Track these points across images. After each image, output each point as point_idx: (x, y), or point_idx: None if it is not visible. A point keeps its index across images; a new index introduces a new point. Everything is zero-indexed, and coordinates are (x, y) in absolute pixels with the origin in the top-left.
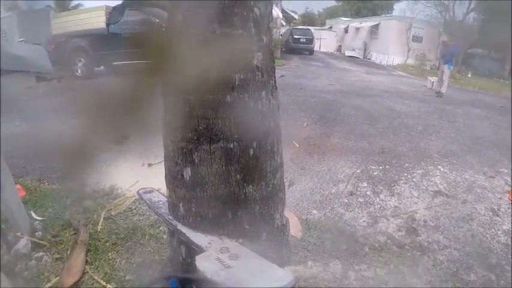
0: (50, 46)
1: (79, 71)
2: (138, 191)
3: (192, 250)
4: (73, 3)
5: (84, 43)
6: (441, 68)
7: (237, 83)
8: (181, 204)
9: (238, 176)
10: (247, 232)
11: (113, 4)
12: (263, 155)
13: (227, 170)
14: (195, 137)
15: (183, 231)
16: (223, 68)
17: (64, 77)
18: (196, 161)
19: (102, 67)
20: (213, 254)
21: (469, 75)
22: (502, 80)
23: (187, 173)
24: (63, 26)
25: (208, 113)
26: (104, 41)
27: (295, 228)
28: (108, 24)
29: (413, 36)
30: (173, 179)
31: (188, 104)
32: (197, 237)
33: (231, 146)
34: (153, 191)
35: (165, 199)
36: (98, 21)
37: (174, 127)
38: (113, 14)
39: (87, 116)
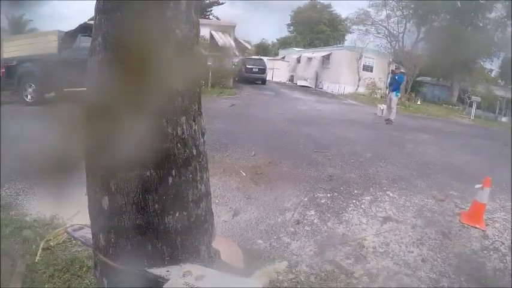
0: (0, 70)
1: (29, 96)
2: (66, 228)
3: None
4: (28, 28)
5: (35, 68)
6: (389, 95)
7: (153, 108)
8: (101, 235)
9: (156, 205)
10: (168, 265)
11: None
12: (184, 183)
13: (144, 199)
14: (111, 165)
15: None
16: (138, 92)
17: (1, 101)
18: (113, 189)
19: (52, 93)
20: (178, 280)
21: (419, 102)
22: (450, 106)
23: (105, 202)
24: (14, 49)
25: (122, 138)
26: (55, 67)
27: (236, 259)
28: (60, 50)
29: (364, 66)
30: (93, 208)
31: (103, 130)
32: (154, 269)
33: (148, 173)
34: (83, 227)
35: None
36: (50, 46)
37: (91, 155)
38: (65, 39)
39: (30, 144)
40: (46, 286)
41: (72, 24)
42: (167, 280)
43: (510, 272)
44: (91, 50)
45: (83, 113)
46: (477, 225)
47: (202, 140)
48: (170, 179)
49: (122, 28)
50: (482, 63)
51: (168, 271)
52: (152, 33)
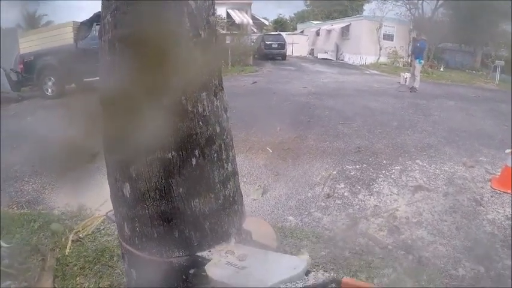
0: (19, 66)
1: (49, 90)
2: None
3: (143, 273)
4: (43, 22)
5: (53, 61)
6: (412, 63)
7: (171, 85)
8: (125, 224)
9: (180, 189)
10: (198, 251)
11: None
12: (208, 164)
13: (167, 183)
14: (130, 149)
15: None
16: (153, 67)
17: (23, 97)
18: (134, 175)
19: (73, 85)
20: (221, 259)
21: (442, 69)
22: (474, 72)
23: (127, 189)
24: (30, 44)
25: (140, 120)
26: (73, 58)
27: (269, 238)
28: (76, 40)
29: (384, 35)
30: (115, 196)
31: (119, 112)
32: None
33: (169, 156)
34: None
35: None
36: (66, 38)
37: (109, 139)
38: (81, 29)
39: (55, 136)
40: (77, 278)
41: (88, 15)
42: (209, 260)
43: None
44: (100, 30)
45: (98, 97)
46: (508, 191)
47: (225, 116)
48: (194, 160)
49: (132, 2)
50: (504, 26)
51: (209, 251)
52: (164, 5)
